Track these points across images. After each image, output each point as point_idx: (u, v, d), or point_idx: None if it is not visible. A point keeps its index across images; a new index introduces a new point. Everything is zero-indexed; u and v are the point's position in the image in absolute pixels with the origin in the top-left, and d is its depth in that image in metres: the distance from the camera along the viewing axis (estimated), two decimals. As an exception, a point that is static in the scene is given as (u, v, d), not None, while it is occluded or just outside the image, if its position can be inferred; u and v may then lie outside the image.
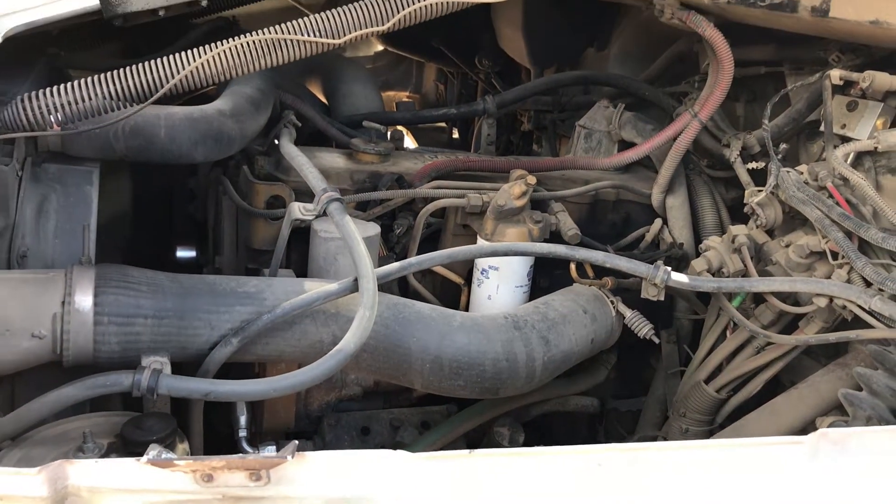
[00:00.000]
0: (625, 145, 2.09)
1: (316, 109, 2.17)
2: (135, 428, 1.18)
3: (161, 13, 1.60)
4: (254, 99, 1.73)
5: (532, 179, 1.69)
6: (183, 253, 2.13)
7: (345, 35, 1.41)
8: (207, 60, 1.34)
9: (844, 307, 1.43)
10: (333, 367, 1.21)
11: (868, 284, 1.39)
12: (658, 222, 1.94)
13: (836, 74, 1.52)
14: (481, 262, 1.72)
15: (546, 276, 1.82)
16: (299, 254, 1.71)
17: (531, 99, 2.52)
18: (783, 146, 1.72)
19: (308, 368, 1.20)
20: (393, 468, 0.83)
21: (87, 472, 0.87)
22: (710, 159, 2.03)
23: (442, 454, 0.84)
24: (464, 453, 0.83)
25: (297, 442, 0.85)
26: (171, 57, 1.36)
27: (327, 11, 1.41)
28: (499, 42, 2.80)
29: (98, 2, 1.49)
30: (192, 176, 2.23)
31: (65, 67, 1.88)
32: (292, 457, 0.81)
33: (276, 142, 1.83)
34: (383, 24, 1.41)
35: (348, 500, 0.82)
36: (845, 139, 1.59)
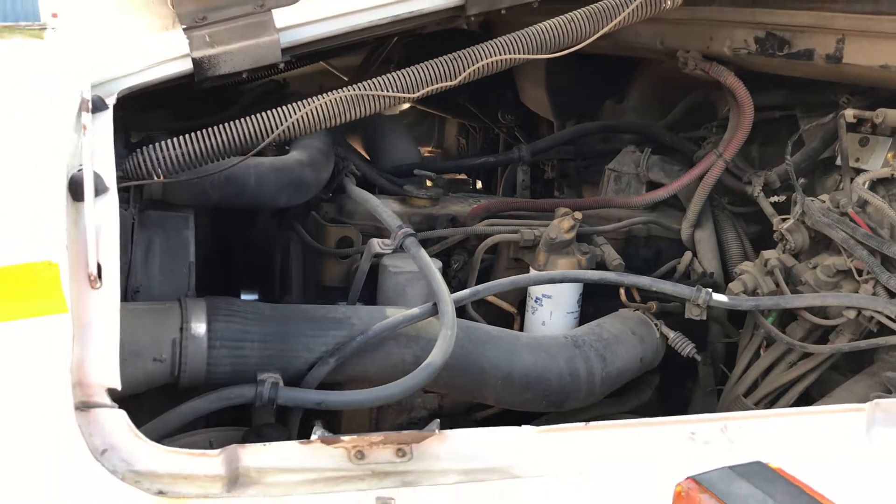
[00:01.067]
0: (652, 186, 2.27)
1: (364, 161, 2.36)
2: (256, 436, 1.32)
3: (244, 75, 1.80)
4: (323, 151, 1.92)
5: (578, 215, 1.87)
6: (246, 296, 2.28)
7: (419, 91, 1.60)
8: (304, 115, 1.53)
9: (871, 318, 1.59)
10: (424, 379, 1.36)
11: (892, 296, 1.56)
12: (688, 254, 2.11)
13: (850, 113, 1.72)
14: (535, 291, 1.88)
15: (591, 304, 1.99)
16: (365, 289, 1.87)
17: (555, 149, 2.72)
18: (801, 180, 1.90)
19: (404, 380, 1.35)
20: (522, 441, 0.98)
21: (255, 455, 1.01)
22: (730, 196, 2.21)
23: (560, 427, 0.99)
24: (579, 426, 0.98)
25: (438, 420, 1.00)
26: (267, 113, 1.54)
27: (403, 70, 1.60)
28: (521, 98, 3.01)
29: (192, 66, 1.69)
30: (251, 226, 2.40)
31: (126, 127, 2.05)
32: (438, 430, 0.96)
33: (340, 189, 2.01)
34: (453, 80, 1.61)
35: (486, 471, 0.97)
36: (859, 171, 1.78)
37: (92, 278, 0.98)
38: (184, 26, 1.71)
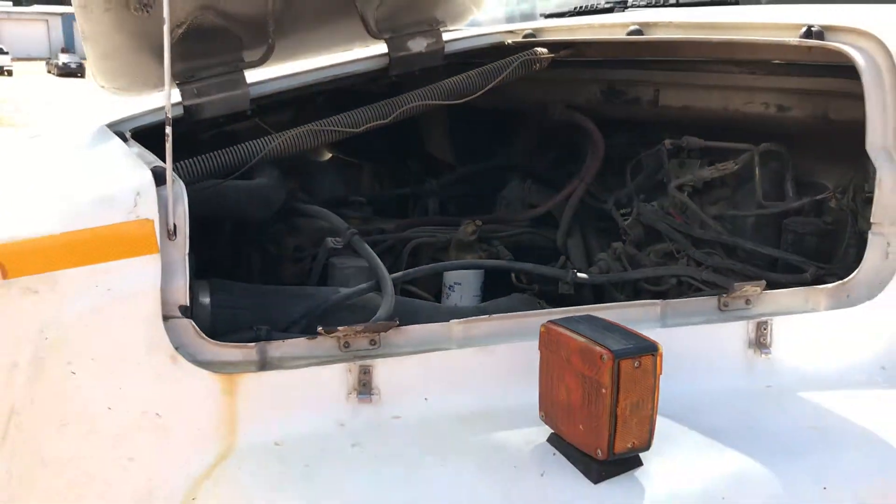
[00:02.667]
0: (533, 207, 2.91)
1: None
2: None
3: (221, 119, 2.35)
4: (279, 178, 2.47)
5: (479, 222, 2.48)
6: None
7: (361, 127, 2.19)
8: (280, 143, 2.09)
9: (690, 285, 2.25)
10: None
11: (699, 265, 2.22)
12: (563, 258, 2.74)
13: (667, 143, 2.40)
14: (448, 279, 2.46)
15: (491, 293, 2.58)
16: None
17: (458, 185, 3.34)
18: (642, 196, 2.57)
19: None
20: (451, 330, 1.55)
21: (278, 347, 1.55)
22: (594, 212, 2.87)
23: (472, 319, 1.57)
24: (484, 318, 1.56)
25: (398, 319, 1.56)
26: (253, 142, 2.09)
27: (349, 112, 2.19)
28: (427, 146, 3.64)
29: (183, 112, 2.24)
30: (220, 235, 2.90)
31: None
32: (398, 323, 1.53)
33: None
34: (386, 119, 2.21)
35: (429, 348, 1.54)
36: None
37: (170, 233, 1.51)
38: (177, 81, 2.26)
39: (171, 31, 2.11)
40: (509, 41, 2.64)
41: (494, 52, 2.62)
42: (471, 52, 2.64)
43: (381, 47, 2.52)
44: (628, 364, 1.25)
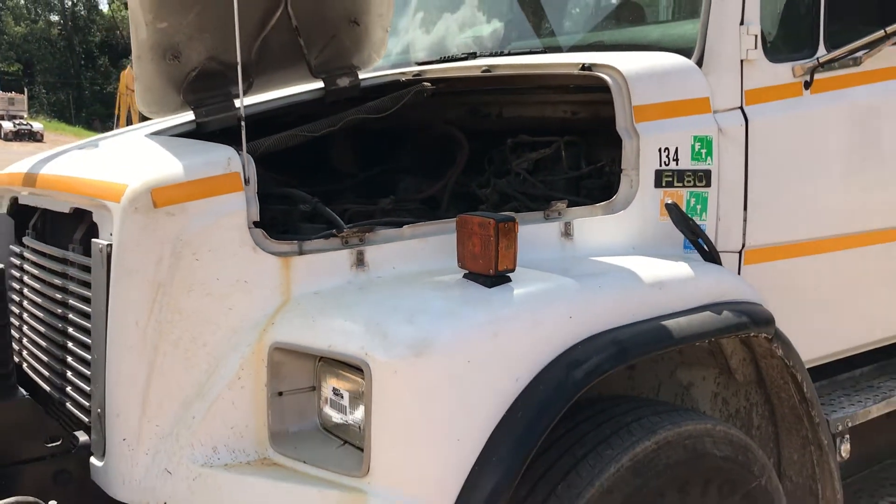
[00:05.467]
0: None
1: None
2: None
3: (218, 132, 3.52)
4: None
5: (393, 198, 3.75)
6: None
7: (322, 131, 3.43)
8: (272, 141, 3.28)
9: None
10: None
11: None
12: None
13: (509, 141, 3.77)
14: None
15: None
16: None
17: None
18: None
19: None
20: (405, 228, 2.83)
21: (309, 243, 2.76)
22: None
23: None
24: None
25: (373, 227, 2.81)
26: (255, 142, 3.27)
27: (313, 122, 3.42)
28: (334, 162, 4.88)
29: (195, 126, 3.39)
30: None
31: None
32: (373, 229, 2.79)
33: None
34: (335, 126, 3.45)
35: (395, 238, 2.80)
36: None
37: (246, 181, 2.69)
38: (192, 106, 3.41)
39: (187, 74, 3.31)
40: (403, 79, 3.96)
41: (393, 86, 3.93)
42: (378, 86, 3.94)
43: (319, 84, 3.76)
44: (503, 225, 2.55)
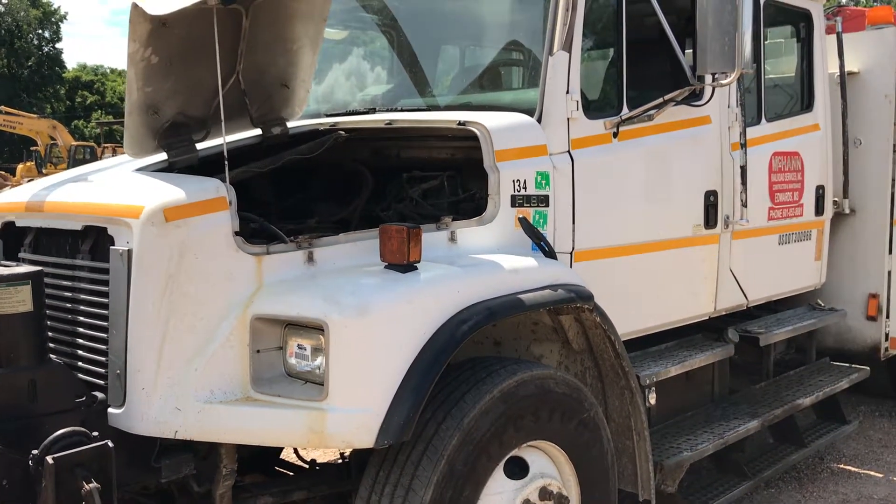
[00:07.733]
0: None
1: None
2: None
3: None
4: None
5: (317, 219, 4.92)
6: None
7: (267, 167, 4.56)
8: (237, 172, 4.39)
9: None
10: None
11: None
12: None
13: (405, 175, 5.02)
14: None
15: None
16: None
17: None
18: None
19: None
20: (341, 236, 4.02)
21: (274, 246, 3.90)
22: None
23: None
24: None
25: (323, 234, 3.98)
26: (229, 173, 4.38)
27: (260, 161, 4.55)
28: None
29: (168, 164, 4.47)
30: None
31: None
32: (321, 234, 3.97)
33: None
34: (278, 164, 4.59)
35: (335, 243, 3.99)
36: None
37: (230, 203, 3.81)
38: (165, 149, 4.47)
39: (163, 125, 4.41)
40: (321, 128, 5.15)
41: (313, 134, 5.11)
42: (302, 133, 5.12)
43: (258, 131, 4.90)
44: (413, 231, 3.79)
